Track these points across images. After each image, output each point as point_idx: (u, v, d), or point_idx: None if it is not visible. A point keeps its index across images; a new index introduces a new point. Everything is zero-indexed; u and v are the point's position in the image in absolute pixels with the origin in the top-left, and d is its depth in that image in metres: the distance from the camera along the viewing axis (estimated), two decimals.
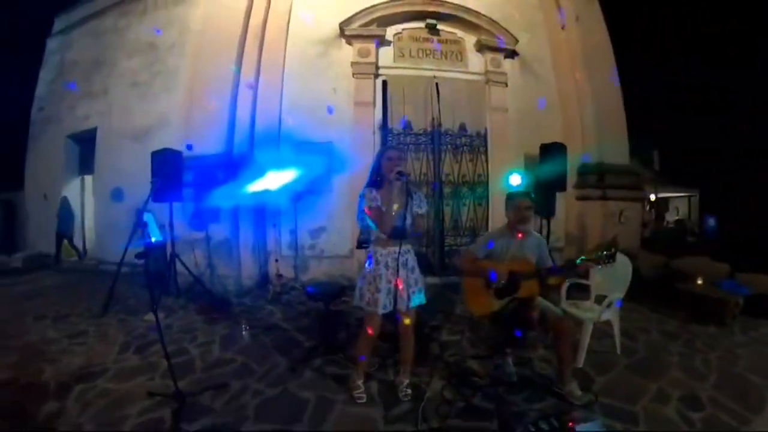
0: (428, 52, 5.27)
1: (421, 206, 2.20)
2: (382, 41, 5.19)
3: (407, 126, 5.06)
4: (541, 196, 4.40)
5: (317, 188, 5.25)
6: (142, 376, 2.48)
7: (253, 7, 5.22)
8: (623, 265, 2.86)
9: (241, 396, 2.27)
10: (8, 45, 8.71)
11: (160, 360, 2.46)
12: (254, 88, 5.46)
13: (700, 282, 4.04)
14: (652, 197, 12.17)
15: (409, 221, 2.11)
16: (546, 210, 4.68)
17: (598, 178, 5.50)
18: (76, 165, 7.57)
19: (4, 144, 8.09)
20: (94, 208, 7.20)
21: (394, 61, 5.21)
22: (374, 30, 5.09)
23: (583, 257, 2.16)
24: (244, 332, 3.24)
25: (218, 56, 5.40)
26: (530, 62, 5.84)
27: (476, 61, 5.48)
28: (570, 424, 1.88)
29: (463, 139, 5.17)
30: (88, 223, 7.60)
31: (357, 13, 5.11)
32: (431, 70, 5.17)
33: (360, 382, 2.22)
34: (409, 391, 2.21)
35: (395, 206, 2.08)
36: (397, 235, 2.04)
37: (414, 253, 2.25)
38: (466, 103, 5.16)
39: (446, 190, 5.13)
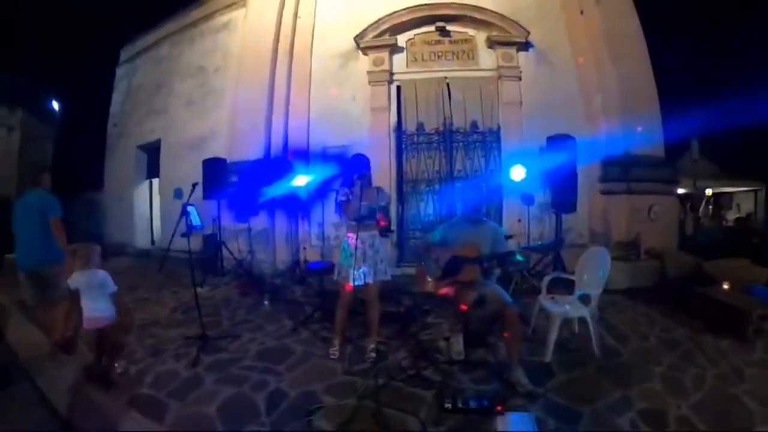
0: (440, 54, 5.66)
1: (382, 200, 2.77)
2: (394, 49, 5.68)
3: (420, 127, 5.56)
4: (557, 192, 4.48)
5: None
6: (182, 328, 3.41)
7: (282, 30, 6.00)
8: (602, 259, 2.85)
9: (248, 344, 3.09)
10: (86, 73, 10.43)
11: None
12: (286, 101, 6.30)
13: (725, 287, 3.51)
14: (709, 191, 10.20)
15: (372, 211, 2.69)
16: (565, 206, 4.53)
17: (623, 171, 5.19)
18: (145, 170, 9.02)
19: (87, 153, 9.87)
20: (160, 205, 8.61)
21: (408, 66, 5.68)
22: (386, 39, 5.60)
23: (540, 242, 2.66)
24: (265, 302, 4.14)
25: (254, 75, 6.28)
26: (546, 52, 5.84)
27: (488, 58, 5.67)
28: (499, 407, 1.90)
29: (475, 136, 5.54)
30: (155, 218, 9.09)
31: (369, 26, 5.64)
32: (443, 71, 5.56)
33: (336, 342, 2.76)
34: (373, 354, 2.67)
35: (363, 201, 2.65)
36: (361, 221, 2.62)
37: (379, 237, 2.79)
38: (477, 101, 5.49)
39: (459, 185, 5.58)
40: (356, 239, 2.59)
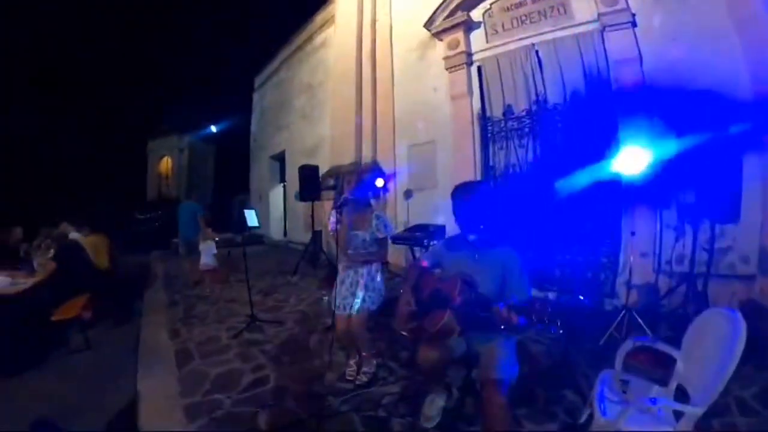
0: (523, 18, 4.72)
1: (380, 230, 2.40)
2: (469, 26, 5.11)
3: (508, 110, 4.90)
4: (706, 191, 3.22)
5: (424, 185, 5.88)
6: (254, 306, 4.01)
7: (363, 38, 6.28)
8: (725, 338, 1.44)
9: (283, 333, 3.49)
10: (233, 101, 13.47)
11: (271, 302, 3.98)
12: (372, 104, 6.57)
13: None
14: None
15: (367, 243, 2.38)
16: (720, 213, 3.17)
17: None
18: (277, 176, 10.94)
19: (238, 165, 12.75)
20: (287, 205, 10.28)
21: (488, 42, 5.04)
22: (458, 17, 5.05)
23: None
24: (323, 298, 4.41)
25: (343, 84, 6.79)
26: None
27: (585, 7, 4.26)
28: None
29: (578, 113, 4.42)
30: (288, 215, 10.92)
31: (437, 8, 5.24)
32: (529, 37, 4.66)
33: (351, 362, 2.60)
34: (364, 378, 2.46)
35: (357, 230, 2.40)
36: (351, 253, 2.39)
37: (373, 270, 2.46)
38: (578, 66, 4.41)
39: (558, 179, 4.64)
40: (343, 269, 2.47)
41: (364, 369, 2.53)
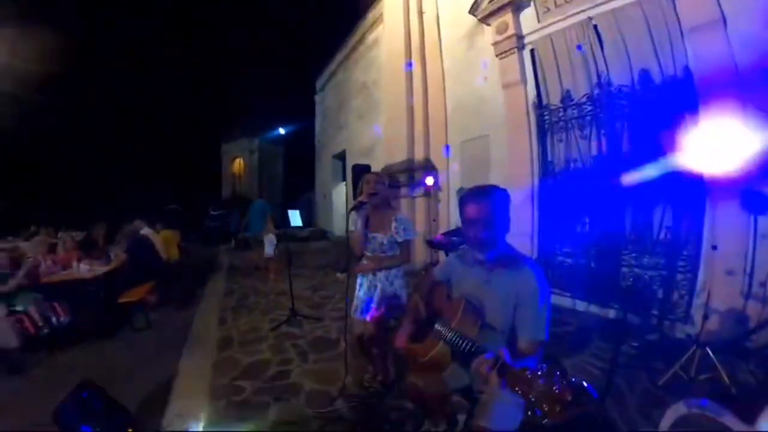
0: None
1: (400, 234, 2.24)
2: (518, 6, 4.59)
3: (566, 96, 4.36)
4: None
5: (477, 183, 5.59)
6: (299, 300, 4.28)
7: (411, 32, 6.14)
8: None
9: (318, 329, 3.68)
10: (298, 104, 14.45)
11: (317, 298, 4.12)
12: (424, 100, 6.44)
13: None
14: None
15: (384, 247, 2.25)
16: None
17: None
18: (340, 175, 11.45)
19: (304, 165, 13.66)
20: (348, 202, 10.69)
21: (539, 21, 4.51)
22: None
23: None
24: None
25: (394, 81, 6.77)
26: None
27: None
28: None
29: (648, 94, 3.66)
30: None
31: None
32: (585, 10, 4.00)
33: (371, 368, 2.59)
34: (378, 387, 2.46)
35: (376, 232, 2.27)
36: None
37: (391, 275, 2.32)
38: (644, 37, 3.66)
39: (627, 176, 3.96)
40: (363, 275, 2.37)
41: (380, 378, 2.52)
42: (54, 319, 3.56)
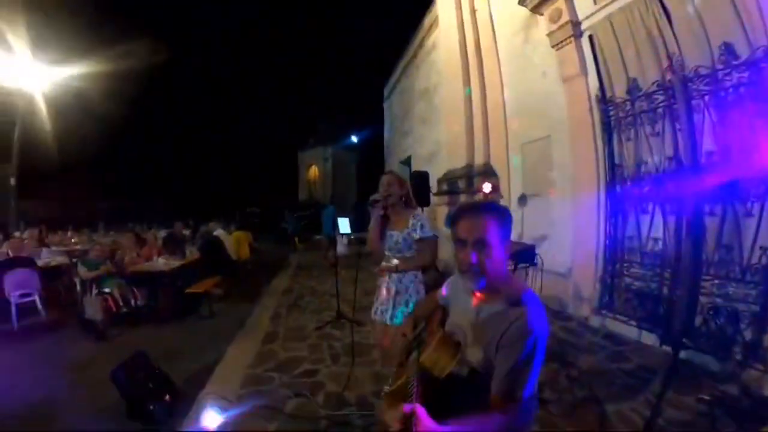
0: None
1: (417, 231, 2.17)
2: None
3: (633, 87, 3.67)
4: None
5: (540, 189, 5.11)
6: (347, 303, 4.33)
7: (465, 31, 5.94)
8: None
9: (357, 333, 3.57)
10: (369, 112, 15.09)
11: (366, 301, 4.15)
12: (482, 101, 6.15)
13: None
14: None
15: (400, 245, 2.19)
16: None
17: None
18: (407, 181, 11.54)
19: (376, 170, 14.26)
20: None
21: (596, 2, 3.86)
22: None
23: None
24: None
25: (451, 83, 6.61)
26: None
27: None
28: None
29: (733, 76, 2.86)
30: None
31: None
32: None
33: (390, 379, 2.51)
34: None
35: (393, 230, 2.25)
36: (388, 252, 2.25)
37: (406, 279, 2.22)
38: (723, 7, 2.85)
39: (711, 180, 3.13)
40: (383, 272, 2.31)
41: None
42: (132, 302, 4.51)
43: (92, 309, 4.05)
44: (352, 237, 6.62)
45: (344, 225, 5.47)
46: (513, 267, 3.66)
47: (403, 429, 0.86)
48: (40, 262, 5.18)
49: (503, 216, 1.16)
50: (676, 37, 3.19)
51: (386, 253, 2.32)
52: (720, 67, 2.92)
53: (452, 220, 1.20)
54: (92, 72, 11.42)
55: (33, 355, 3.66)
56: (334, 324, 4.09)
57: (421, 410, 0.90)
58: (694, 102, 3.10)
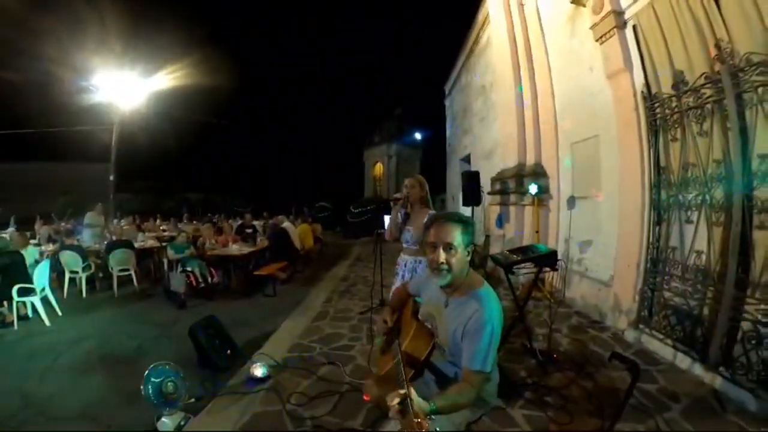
0: None
1: None
2: None
3: (679, 80, 3.26)
4: None
5: (588, 191, 4.84)
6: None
7: (514, 26, 5.78)
8: None
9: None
10: (432, 109, 15.03)
11: None
12: (533, 98, 5.94)
13: None
14: None
15: (413, 240, 2.61)
16: None
17: None
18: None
19: (440, 167, 14.22)
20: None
21: None
22: None
23: None
24: None
25: (504, 80, 6.49)
26: None
27: None
28: None
29: None
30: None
31: None
32: None
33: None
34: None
35: (410, 226, 2.67)
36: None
37: (411, 263, 2.64)
38: None
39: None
40: (404, 261, 2.74)
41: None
42: (209, 279, 5.57)
43: (177, 282, 5.16)
44: None
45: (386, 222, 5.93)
46: (537, 270, 3.58)
47: (401, 410, 1.02)
48: (136, 245, 6.53)
49: (467, 224, 1.42)
50: (724, 21, 2.80)
51: (404, 245, 2.77)
52: None
53: (426, 227, 1.47)
54: (178, 84, 13.62)
55: (128, 316, 4.83)
56: (376, 311, 4.42)
57: (413, 393, 1.07)
58: (745, 96, 2.73)
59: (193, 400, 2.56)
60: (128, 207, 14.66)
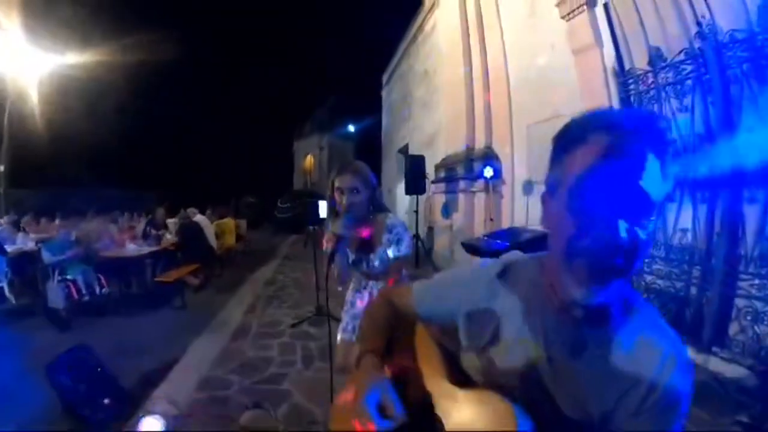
0: None
1: (392, 249, 1.70)
2: None
3: (655, 56, 3.34)
4: None
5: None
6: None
7: (466, 5, 5.56)
8: None
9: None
10: (367, 100, 14.61)
11: None
12: (484, 78, 5.81)
13: None
14: None
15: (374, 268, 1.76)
16: None
17: None
18: (403, 169, 11.20)
19: (373, 160, 14.01)
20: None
21: None
22: None
23: None
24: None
25: (452, 61, 6.26)
26: None
27: None
28: None
29: None
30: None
31: None
32: None
33: None
34: None
35: (362, 251, 1.81)
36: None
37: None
38: None
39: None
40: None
41: None
42: (97, 289, 4.27)
43: (54, 295, 3.78)
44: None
45: (323, 209, 5.23)
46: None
47: None
48: (11, 249, 4.90)
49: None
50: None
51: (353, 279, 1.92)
52: (758, 30, 2.60)
53: None
54: (88, 62, 11.33)
55: None
56: (312, 321, 3.81)
57: None
58: (729, 72, 2.80)
59: None
60: (29, 204, 11.30)
